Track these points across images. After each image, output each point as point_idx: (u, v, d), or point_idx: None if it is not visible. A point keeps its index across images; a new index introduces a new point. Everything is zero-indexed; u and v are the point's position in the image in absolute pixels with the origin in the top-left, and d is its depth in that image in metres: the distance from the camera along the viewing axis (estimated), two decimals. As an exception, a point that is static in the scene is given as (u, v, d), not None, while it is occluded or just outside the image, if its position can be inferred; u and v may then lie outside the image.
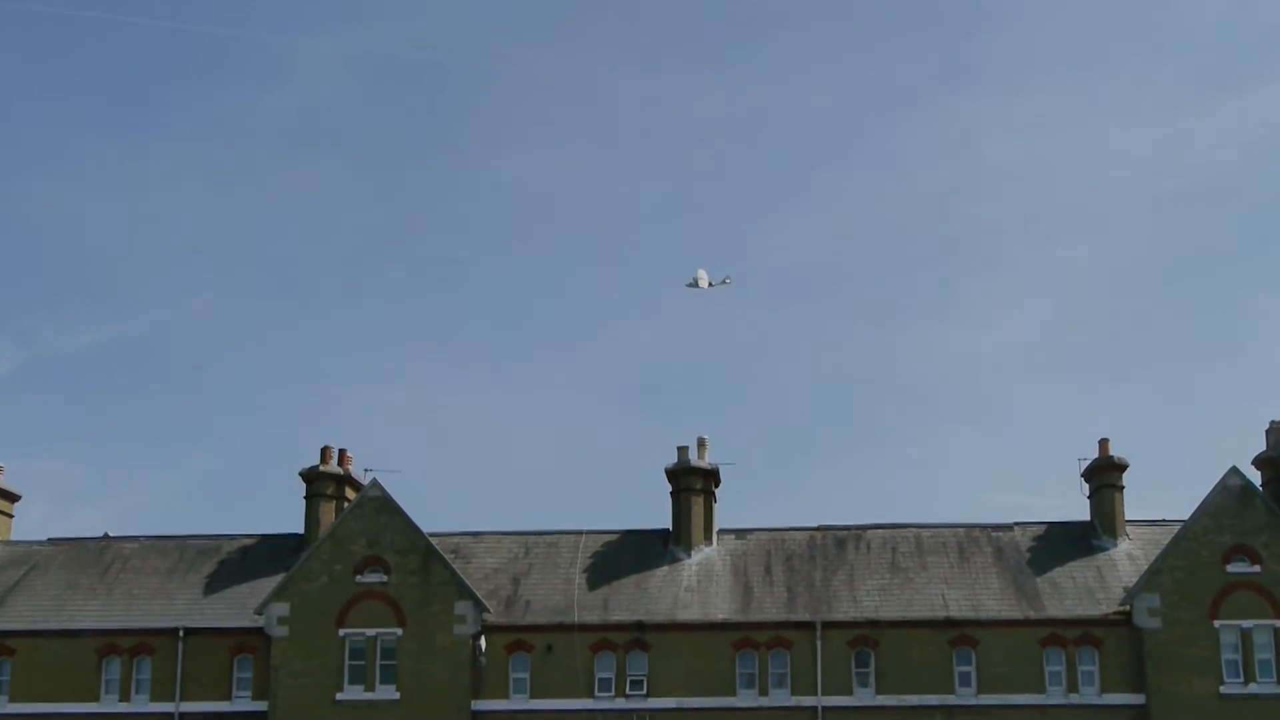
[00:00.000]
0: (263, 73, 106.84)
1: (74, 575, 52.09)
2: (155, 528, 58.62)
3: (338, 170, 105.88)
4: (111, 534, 54.19)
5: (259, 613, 48.58)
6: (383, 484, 49.45)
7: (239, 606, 49.81)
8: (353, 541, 48.87)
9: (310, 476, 52.48)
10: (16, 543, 54.32)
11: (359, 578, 48.51)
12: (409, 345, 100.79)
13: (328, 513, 51.99)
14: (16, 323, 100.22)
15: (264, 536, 53.36)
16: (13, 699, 49.09)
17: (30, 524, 74.27)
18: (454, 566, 49.11)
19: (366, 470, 50.58)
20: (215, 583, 51.17)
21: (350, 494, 52.48)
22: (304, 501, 52.65)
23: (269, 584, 50.36)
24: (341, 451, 52.86)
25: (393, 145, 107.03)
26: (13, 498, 55.25)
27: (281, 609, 48.35)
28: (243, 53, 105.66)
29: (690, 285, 55.10)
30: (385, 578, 48.49)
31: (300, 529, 52.66)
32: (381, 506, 49.23)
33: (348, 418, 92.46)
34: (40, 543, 54.17)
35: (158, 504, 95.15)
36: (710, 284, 54.96)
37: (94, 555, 53.09)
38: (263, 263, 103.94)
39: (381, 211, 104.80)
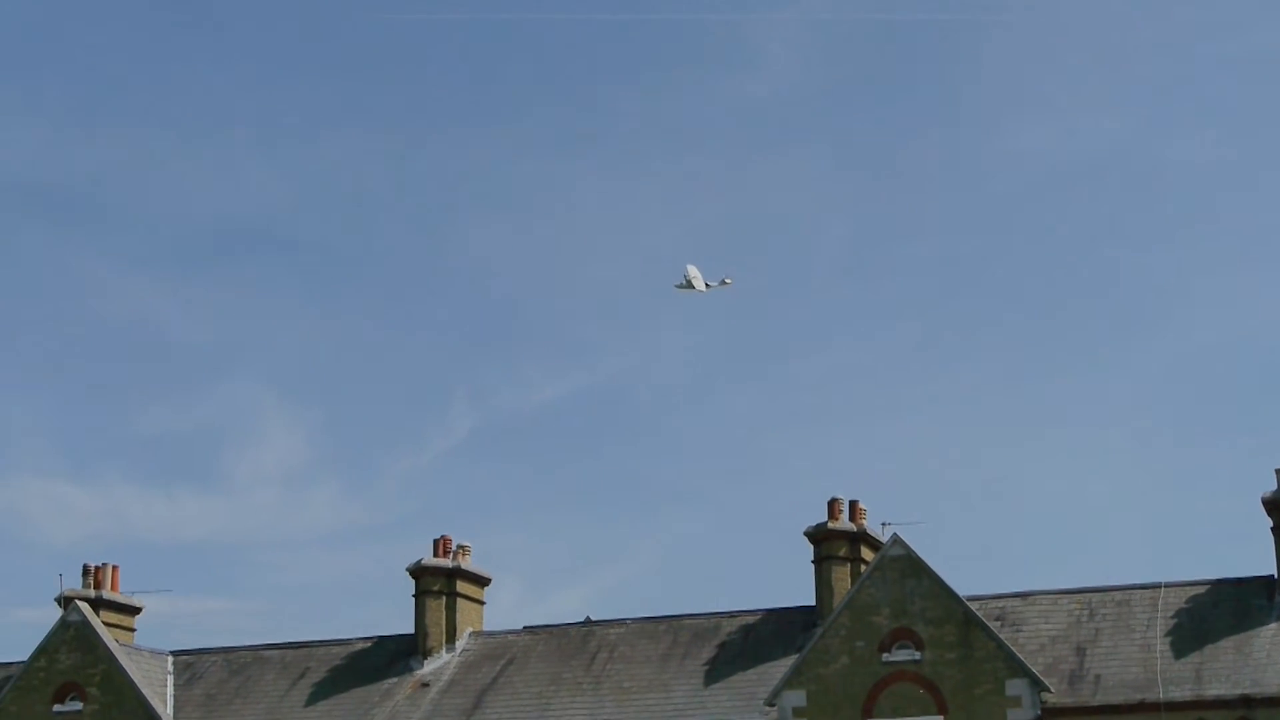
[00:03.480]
0: (712, 60, 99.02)
1: (556, 668, 47.94)
2: (642, 607, 55.48)
3: (816, 163, 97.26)
4: (593, 617, 50.36)
5: (770, 703, 43.73)
6: (905, 540, 44.08)
7: (746, 697, 45.10)
8: (875, 612, 43.57)
9: (817, 536, 47.30)
10: (491, 633, 50.28)
11: (886, 656, 43.20)
12: (925, 367, 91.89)
13: (841, 578, 46.86)
14: (471, 381, 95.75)
15: (769, 611, 48.45)
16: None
17: (503, 610, 69.24)
18: (1001, 637, 43.00)
19: (884, 525, 45.77)
20: (717, 669, 46.62)
21: (867, 554, 47.14)
22: (811, 566, 47.58)
23: (779, 668, 45.32)
24: (853, 504, 47.60)
25: (878, 127, 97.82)
26: (483, 581, 51.15)
27: (796, 698, 43.52)
28: (685, 39, 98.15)
29: (681, 286, 51.93)
30: (918, 654, 43.03)
31: (810, 599, 47.59)
32: (907, 568, 43.74)
33: (856, 463, 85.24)
34: (516, 632, 50.20)
35: (643, 579, 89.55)
36: (707, 285, 51.74)
37: (576, 643, 48.85)
38: (737, 284, 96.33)
39: (872, 208, 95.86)
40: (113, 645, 47.75)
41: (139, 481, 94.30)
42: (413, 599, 49.88)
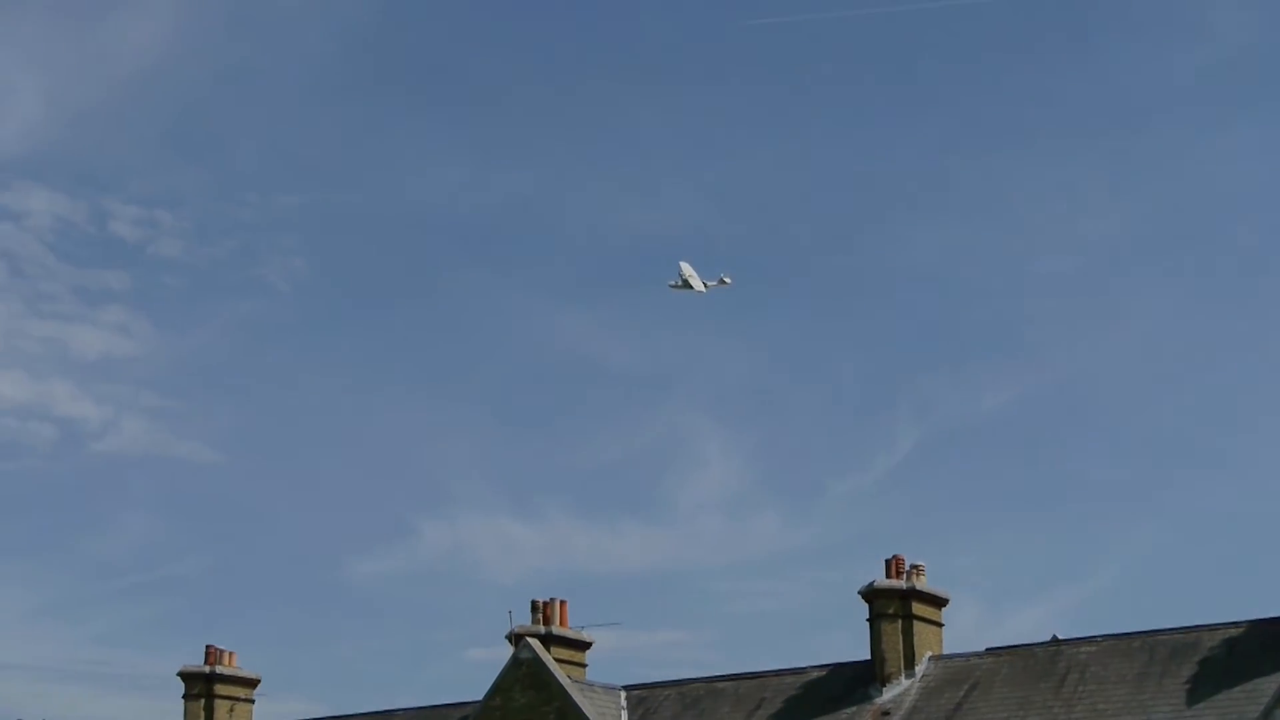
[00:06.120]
0: (1153, 31, 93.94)
1: (1024, 691, 45.09)
2: (1113, 623, 51.36)
3: (1272, 133, 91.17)
4: (1060, 635, 47.22)
5: (1263, 722, 39.79)
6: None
7: (1234, 717, 41.35)
8: (1375, 620, 39.43)
9: (1301, 539, 43.03)
10: (951, 656, 47.71)
11: (1391, 668, 39.02)
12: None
13: (1334, 584, 42.43)
14: (913, 392, 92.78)
15: (1253, 622, 44.67)
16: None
17: (962, 632, 66.46)
18: None
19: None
20: (1199, 688, 43.06)
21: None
22: (1296, 573, 43.41)
23: (1269, 684, 41.63)
24: (1341, 502, 43.08)
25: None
26: (940, 602, 48.65)
27: (1288, 717, 39.60)
28: (1121, 11, 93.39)
29: (677, 286, 51.14)
30: None
31: (1293, 609, 43.76)
32: None
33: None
34: (978, 654, 47.51)
35: (1111, 592, 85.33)
36: (705, 285, 50.91)
37: (1044, 664, 45.91)
38: (1195, 269, 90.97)
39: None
40: (565, 682, 46.93)
41: (581, 514, 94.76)
42: (866, 624, 47.96)
